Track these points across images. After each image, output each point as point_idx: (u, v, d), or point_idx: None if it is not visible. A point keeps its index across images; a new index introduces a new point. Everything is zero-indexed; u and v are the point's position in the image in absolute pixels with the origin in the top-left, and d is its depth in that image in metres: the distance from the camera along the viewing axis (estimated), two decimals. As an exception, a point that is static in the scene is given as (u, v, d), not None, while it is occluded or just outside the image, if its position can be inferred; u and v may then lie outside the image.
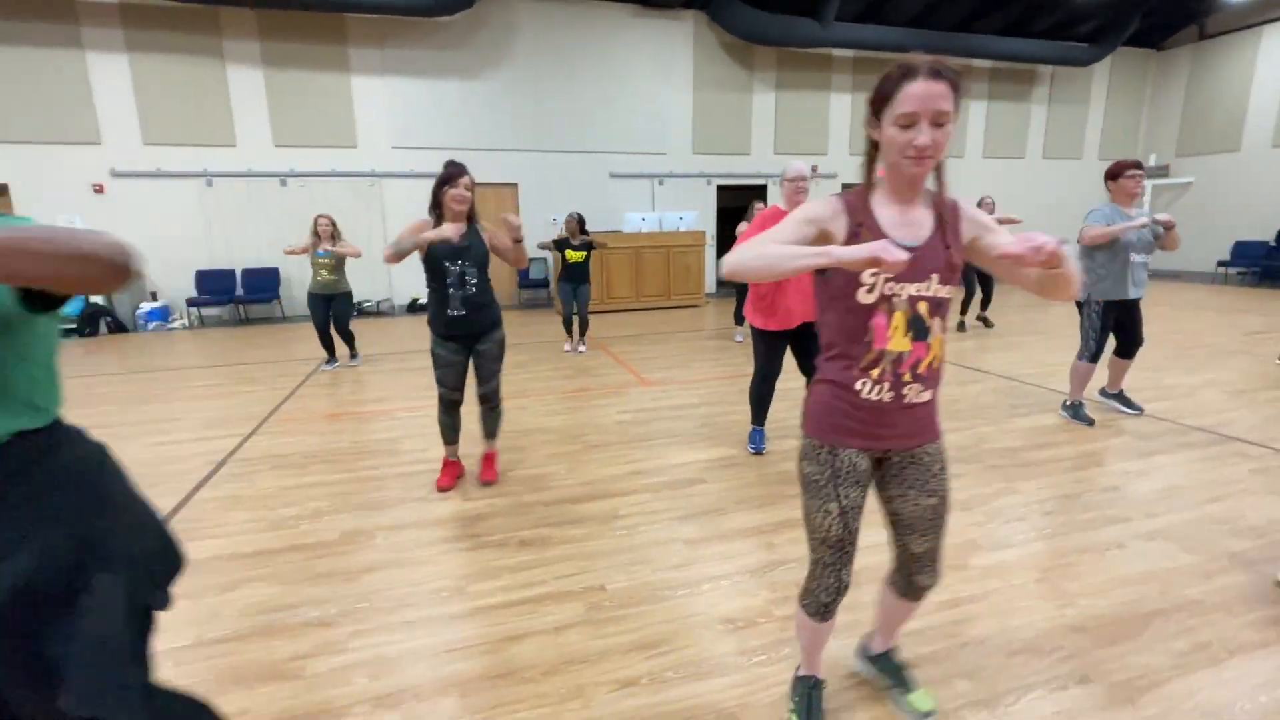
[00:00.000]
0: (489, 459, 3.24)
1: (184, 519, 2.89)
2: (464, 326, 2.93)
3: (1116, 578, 2.25)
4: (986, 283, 7.39)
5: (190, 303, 8.79)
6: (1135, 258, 3.79)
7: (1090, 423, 3.93)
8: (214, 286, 8.93)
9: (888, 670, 1.71)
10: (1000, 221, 6.96)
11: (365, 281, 9.42)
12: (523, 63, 9.89)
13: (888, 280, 1.30)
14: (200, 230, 8.99)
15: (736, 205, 12.77)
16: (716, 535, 2.63)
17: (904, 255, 1.12)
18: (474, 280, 2.87)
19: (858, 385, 1.35)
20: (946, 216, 1.35)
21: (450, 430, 3.16)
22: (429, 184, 2.87)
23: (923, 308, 1.31)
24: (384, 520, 2.82)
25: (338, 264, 5.77)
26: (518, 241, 2.88)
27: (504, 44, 9.75)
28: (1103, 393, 4.28)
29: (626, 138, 10.66)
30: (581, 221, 6.44)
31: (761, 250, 1.27)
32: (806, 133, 11.70)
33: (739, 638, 1.97)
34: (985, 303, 7.44)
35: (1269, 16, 11.75)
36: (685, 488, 3.09)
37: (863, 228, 1.31)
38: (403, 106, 9.51)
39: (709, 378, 5.31)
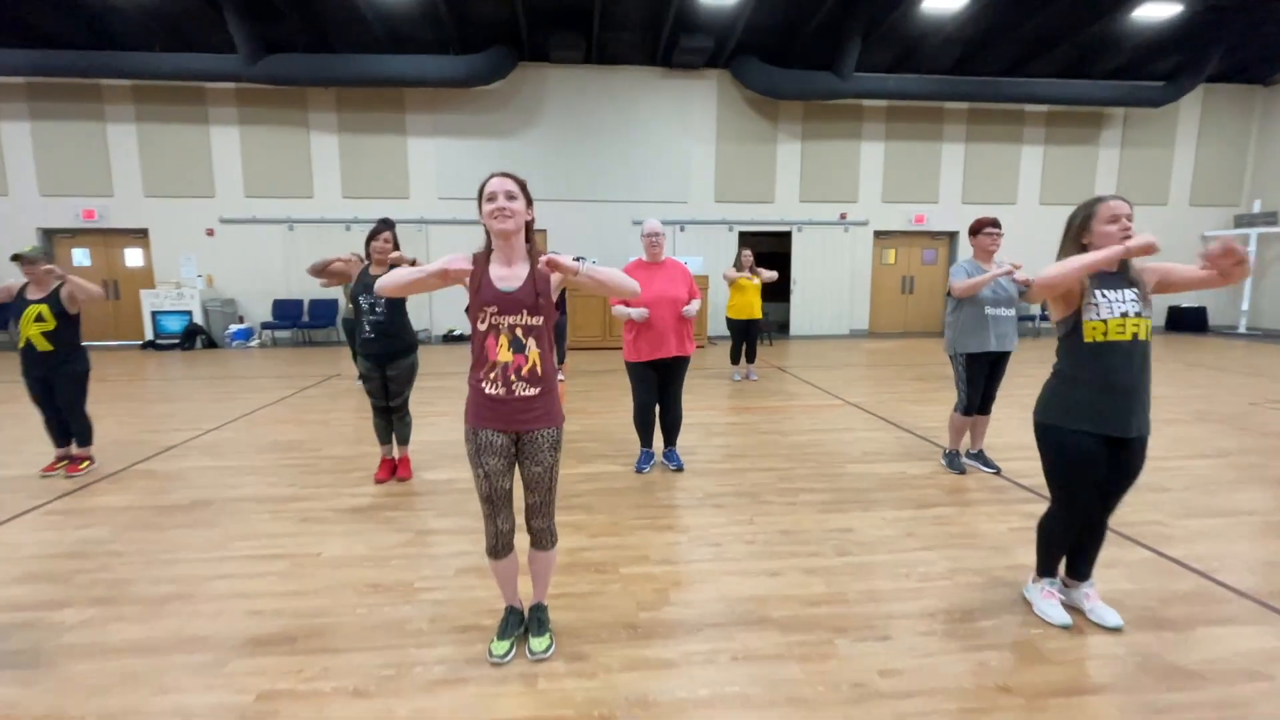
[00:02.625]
0: (403, 461, 3.92)
1: None
2: (372, 347, 3.64)
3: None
4: None
5: (265, 326, 10.57)
6: (991, 310, 3.77)
7: (961, 471, 3.95)
8: (285, 313, 10.68)
9: (527, 619, 2.17)
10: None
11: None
12: (553, 122, 11.01)
13: (493, 314, 1.88)
14: (280, 266, 10.84)
15: (765, 251, 13.01)
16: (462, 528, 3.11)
17: (462, 265, 1.81)
18: (381, 312, 3.60)
19: (483, 385, 1.92)
20: (538, 271, 1.93)
21: (383, 430, 3.86)
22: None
23: (519, 331, 1.90)
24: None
25: None
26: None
27: (537, 106, 10.94)
28: (966, 452, 4.18)
29: (649, 187, 11.38)
30: None
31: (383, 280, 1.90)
32: (834, 181, 11.76)
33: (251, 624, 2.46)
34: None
35: (1395, 44, 10.24)
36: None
37: (480, 289, 1.90)
38: (449, 162, 10.93)
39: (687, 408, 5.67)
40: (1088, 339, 2.10)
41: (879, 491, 3.64)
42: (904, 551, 2.87)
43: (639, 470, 3.99)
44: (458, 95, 10.71)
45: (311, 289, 10.89)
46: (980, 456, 4.09)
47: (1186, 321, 12.48)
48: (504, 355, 1.88)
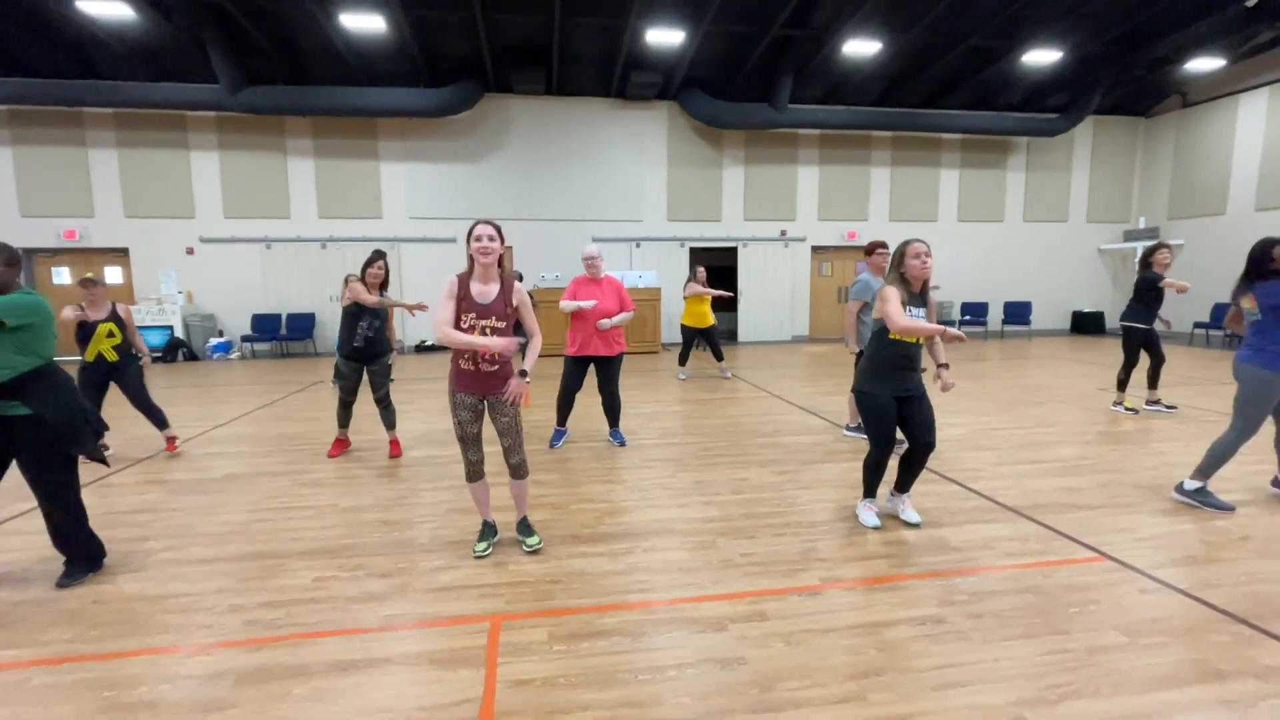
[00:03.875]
0: (393, 443, 4.78)
1: None
2: (359, 354, 4.57)
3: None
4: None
5: (244, 339, 11.15)
6: None
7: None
8: (264, 327, 11.29)
9: (518, 528, 3.09)
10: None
11: (380, 325, 11.50)
12: (518, 148, 11.94)
13: (473, 319, 2.75)
14: (259, 282, 11.45)
15: (713, 265, 14.12)
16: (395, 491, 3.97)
17: (499, 347, 2.64)
18: (376, 327, 4.55)
19: (460, 363, 2.80)
20: (506, 289, 2.80)
21: (344, 420, 4.74)
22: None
23: (488, 330, 2.78)
24: None
25: None
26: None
27: (503, 133, 11.86)
28: (848, 427, 5.24)
29: (607, 207, 12.38)
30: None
31: (441, 334, 2.73)
32: (775, 201, 12.96)
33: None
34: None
35: (1244, 85, 11.98)
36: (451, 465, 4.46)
37: (463, 299, 2.75)
38: (419, 185, 11.73)
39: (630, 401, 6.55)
40: (892, 336, 3.09)
41: (778, 454, 4.63)
42: (783, 490, 3.85)
43: (552, 446, 4.87)
44: (428, 124, 11.55)
45: (290, 303, 11.53)
46: (860, 429, 5.14)
47: (1087, 324, 14.02)
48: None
